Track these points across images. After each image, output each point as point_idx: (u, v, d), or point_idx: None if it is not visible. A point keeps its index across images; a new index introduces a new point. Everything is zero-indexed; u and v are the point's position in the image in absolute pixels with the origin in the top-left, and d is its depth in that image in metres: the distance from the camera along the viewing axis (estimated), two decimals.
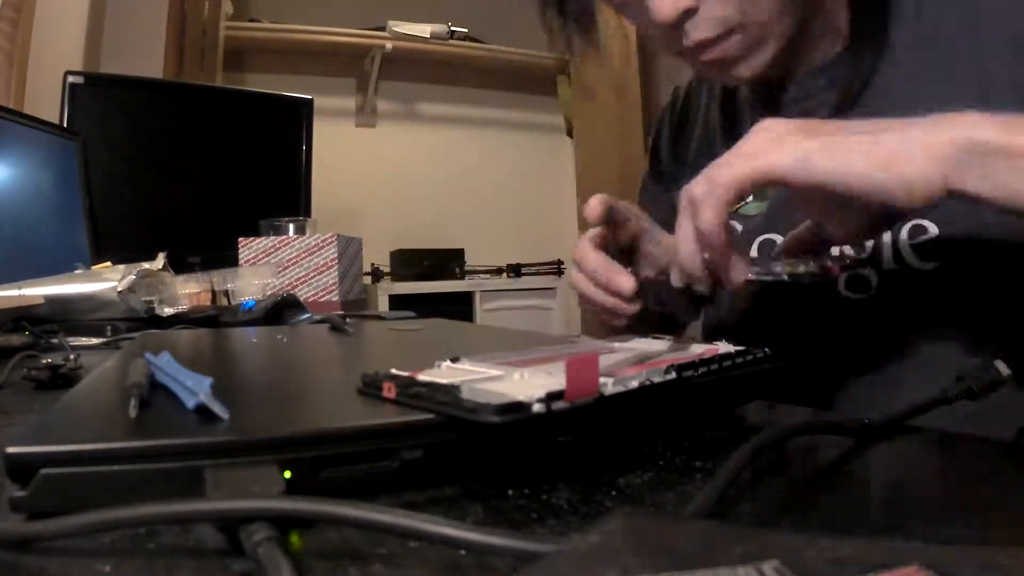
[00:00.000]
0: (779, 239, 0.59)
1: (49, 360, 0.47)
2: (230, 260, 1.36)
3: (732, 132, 0.66)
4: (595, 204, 0.52)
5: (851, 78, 0.55)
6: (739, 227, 0.63)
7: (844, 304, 0.54)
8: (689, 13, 0.50)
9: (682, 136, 0.75)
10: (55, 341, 0.66)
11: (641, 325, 0.55)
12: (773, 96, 0.61)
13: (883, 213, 0.41)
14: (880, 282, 0.53)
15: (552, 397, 0.24)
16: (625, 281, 0.50)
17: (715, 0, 0.50)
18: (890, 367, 0.52)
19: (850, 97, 0.54)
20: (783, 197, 0.59)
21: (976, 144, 0.35)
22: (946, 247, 0.50)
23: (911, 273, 0.51)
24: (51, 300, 0.79)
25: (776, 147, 0.37)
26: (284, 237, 1.40)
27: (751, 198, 0.63)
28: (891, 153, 0.35)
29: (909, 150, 0.35)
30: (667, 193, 0.79)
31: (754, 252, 0.61)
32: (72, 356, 0.50)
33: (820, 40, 0.57)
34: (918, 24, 0.53)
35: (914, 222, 0.51)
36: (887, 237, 0.52)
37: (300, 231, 1.43)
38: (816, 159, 0.36)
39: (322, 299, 1.37)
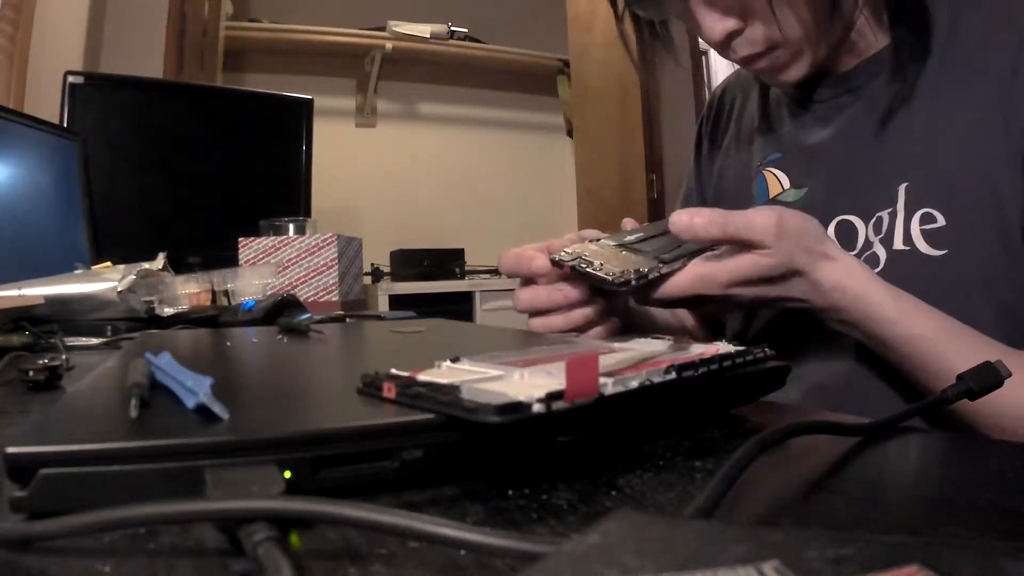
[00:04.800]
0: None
1: (44, 362, 0.47)
2: (230, 260, 1.36)
3: (767, 123, 0.72)
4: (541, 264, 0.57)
5: (875, 87, 0.60)
6: None
7: None
8: (734, 34, 0.57)
9: (718, 126, 0.81)
10: (53, 341, 0.66)
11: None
12: (806, 96, 0.66)
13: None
14: (888, 260, 0.55)
15: (552, 397, 0.24)
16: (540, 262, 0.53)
17: (758, 22, 0.56)
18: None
19: (883, 104, 0.58)
20: (823, 184, 0.63)
21: None
22: (954, 237, 0.53)
23: (919, 257, 0.54)
24: (51, 300, 0.79)
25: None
26: (284, 237, 1.40)
27: (788, 186, 0.68)
28: None
29: None
30: (697, 174, 0.85)
31: None
32: (64, 357, 0.50)
33: (851, 50, 0.62)
34: (951, 40, 0.56)
35: (924, 210, 0.54)
36: (900, 218, 0.56)
37: (300, 231, 1.43)
38: None
39: (322, 299, 1.37)
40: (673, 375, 0.30)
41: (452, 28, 2.52)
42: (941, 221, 0.53)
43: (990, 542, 0.21)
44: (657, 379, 0.29)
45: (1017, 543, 0.20)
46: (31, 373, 0.45)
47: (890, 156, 0.58)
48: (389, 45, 2.54)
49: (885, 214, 0.57)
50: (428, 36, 2.51)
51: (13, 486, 0.21)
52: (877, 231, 0.57)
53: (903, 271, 0.54)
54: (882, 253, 0.56)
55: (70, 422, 0.27)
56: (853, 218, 0.59)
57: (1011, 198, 0.51)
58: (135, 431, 0.24)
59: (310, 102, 1.94)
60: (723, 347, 0.35)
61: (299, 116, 1.92)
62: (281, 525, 0.19)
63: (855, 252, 0.58)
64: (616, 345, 0.38)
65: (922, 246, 0.54)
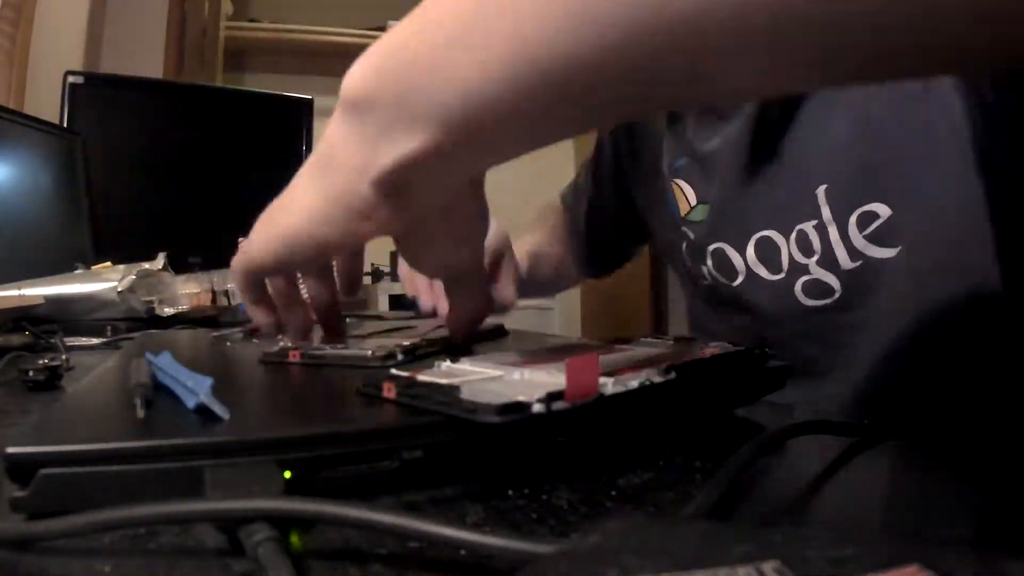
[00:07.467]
0: (729, 249, 0.56)
1: (44, 362, 0.47)
2: (230, 260, 1.36)
3: (672, 115, 0.62)
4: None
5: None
6: (691, 235, 0.60)
7: (808, 312, 0.51)
8: None
9: (633, 139, 0.72)
10: (53, 341, 0.66)
11: None
12: None
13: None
14: (844, 286, 0.49)
15: (552, 397, 0.24)
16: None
17: None
18: (869, 369, 0.49)
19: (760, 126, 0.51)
20: (728, 199, 0.55)
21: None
22: (905, 226, 0.45)
23: (875, 265, 0.47)
24: (51, 300, 0.79)
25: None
26: None
27: (695, 203, 0.59)
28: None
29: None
30: (595, 198, 0.78)
31: (708, 263, 0.58)
32: (64, 357, 0.50)
33: None
34: None
35: (860, 210, 0.47)
36: (833, 231, 0.48)
37: None
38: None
39: None
40: (673, 375, 0.30)
41: None
42: (884, 212, 0.46)
43: (990, 542, 0.21)
44: (657, 379, 0.29)
45: (1017, 543, 0.20)
46: (31, 373, 0.45)
47: (798, 155, 0.50)
48: None
49: (809, 227, 0.49)
50: None
51: (13, 486, 0.21)
52: (806, 251, 0.50)
53: (860, 290, 0.48)
54: (832, 280, 0.49)
55: (70, 422, 0.27)
56: (771, 233, 0.52)
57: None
58: (135, 431, 0.24)
59: (310, 102, 1.94)
60: (723, 347, 0.35)
61: (299, 116, 1.92)
62: (281, 525, 0.19)
63: (782, 275, 0.52)
64: (616, 345, 0.38)
65: (872, 251, 0.47)
